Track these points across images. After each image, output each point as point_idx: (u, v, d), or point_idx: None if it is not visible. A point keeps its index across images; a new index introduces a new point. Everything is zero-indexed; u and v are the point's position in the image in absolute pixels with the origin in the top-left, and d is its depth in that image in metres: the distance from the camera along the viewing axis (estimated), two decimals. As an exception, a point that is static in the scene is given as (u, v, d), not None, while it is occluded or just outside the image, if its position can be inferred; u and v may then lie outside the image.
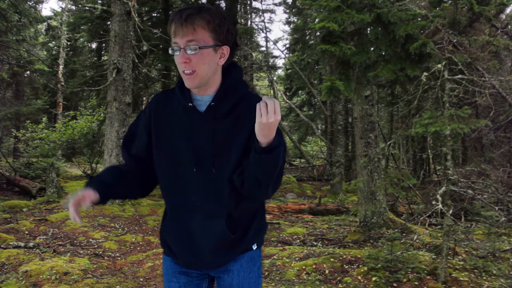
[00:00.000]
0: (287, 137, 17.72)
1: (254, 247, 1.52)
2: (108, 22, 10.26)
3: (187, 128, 1.40)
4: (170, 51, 1.35)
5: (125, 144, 1.53)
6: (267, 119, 1.20)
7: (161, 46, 11.34)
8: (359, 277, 3.72)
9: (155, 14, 12.85)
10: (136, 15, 8.14)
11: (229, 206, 1.41)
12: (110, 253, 4.87)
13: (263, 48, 19.42)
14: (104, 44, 13.92)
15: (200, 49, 1.32)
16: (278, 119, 1.21)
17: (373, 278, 3.63)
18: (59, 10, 19.95)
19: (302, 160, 17.23)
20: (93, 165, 12.85)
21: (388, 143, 4.63)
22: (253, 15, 19.38)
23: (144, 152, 1.48)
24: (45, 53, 19.14)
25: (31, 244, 4.86)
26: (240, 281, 1.49)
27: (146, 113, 1.49)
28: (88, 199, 1.33)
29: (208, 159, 1.38)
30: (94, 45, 15.61)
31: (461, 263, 3.90)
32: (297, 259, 4.30)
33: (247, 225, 1.47)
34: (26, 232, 5.57)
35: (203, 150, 1.38)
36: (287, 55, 18.35)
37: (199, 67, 1.33)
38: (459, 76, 3.58)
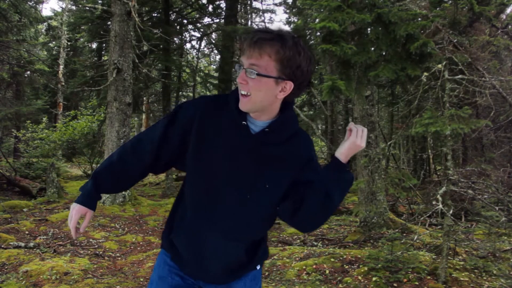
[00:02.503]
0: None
1: (258, 267, 1.53)
2: (109, 22, 10.25)
3: (234, 144, 1.35)
4: (235, 67, 1.32)
5: (155, 142, 1.44)
6: (361, 142, 1.34)
7: (161, 46, 11.34)
8: (360, 277, 3.71)
9: (156, 14, 12.86)
10: (137, 15, 8.14)
11: (254, 233, 1.44)
12: (111, 253, 4.87)
13: (264, 48, 19.40)
14: (104, 44, 13.93)
15: (258, 76, 1.27)
16: (363, 146, 1.36)
17: (374, 278, 3.63)
18: (60, 10, 19.99)
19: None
20: (93, 165, 12.85)
21: (389, 143, 4.64)
22: (254, 15, 19.40)
23: (168, 155, 1.43)
24: (45, 53, 19.16)
25: (31, 244, 4.86)
26: None
27: (187, 116, 1.40)
28: (85, 224, 1.49)
29: (247, 182, 1.35)
30: (94, 45, 15.63)
31: (462, 263, 3.90)
32: (297, 259, 4.30)
33: (257, 249, 1.49)
34: (27, 232, 5.57)
35: (245, 172, 1.35)
36: (287, 55, 18.31)
37: (254, 92, 1.29)
38: (460, 76, 3.58)
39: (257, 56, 1.27)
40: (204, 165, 1.37)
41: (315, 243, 5.33)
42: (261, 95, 1.29)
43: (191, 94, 15.53)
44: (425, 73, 3.63)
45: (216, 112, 1.39)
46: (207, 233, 1.40)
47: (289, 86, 1.30)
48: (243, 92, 1.31)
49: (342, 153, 1.33)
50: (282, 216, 1.41)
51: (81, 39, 16.55)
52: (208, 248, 1.41)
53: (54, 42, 19.17)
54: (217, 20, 14.13)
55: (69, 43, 18.14)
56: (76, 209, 1.44)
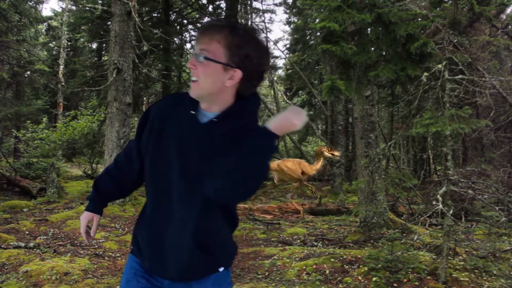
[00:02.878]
0: (288, 137, 17.70)
1: (221, 269, 1.46)
2: (109, 22, 10.26)
3: (184, 136, 1.38)
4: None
5: (135, 148, 1.53)
6: (296, 120, 1.30)
7: (161, 46, 11.35)
8: (360, 277, 3.71)
9: (156, 14, 12.87)
10: (137, 15, 8.15)
11: (206, 224, 1.39)
12: (111, 253, 4.87)
13: (264, 48, 19.40)
14: (104, 44, 13.94)
15: (206, 60, 1.30)
16: (298, 126, 1.31)
17: (374, 278, 3.63)
18: (60, 10, 19.99)
19: (303, 160, 17.20)
20: (93, 165, 12.85)
21: (389, 143, 4.64)
22: (254, 15, 19.41)
23: (140, 153, 1.50)
24: (45, 53, 19.17)
25: (31, 244, 4.86)
26: None
27: (151, 117, 1.47)
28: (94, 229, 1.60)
29: (194, 171, 1.36)
30: (94, 45, 15.65)
31: (462, 263, 3.90)
32: (297, 259, 4.30)
33: (213, 245, 1.43)
34: (27, 232, 5.57)
35: (192, 161, 1.36)
36: (287, 55, 18.36)
37: (202, 77, 1.32)
38: (460, 76, 3.58)
39: (207, 41, 1.30)
40: (158, 159, 1.42)
41: (315, 243, 5.33)
42: (209, 81, 1.32)
43: (191, 94, 15.49)
44: (425, 73, 3.63)
45: (175, 107, 1.44)
46: (163, 226, 1.41)
47: (238, 74, 1.32)
48: (193, 78, 1.34)
49: (273, 122, 1.29)
50: (210, 192, 1.36)
51: (81, 39, 16.57)
52: (165, 241, 1.41)
53: (54, 42, 19.18)
54: (217, 20, 14.12)
55: (69, 43, 18.14)
56: (83, 215, 1.57)
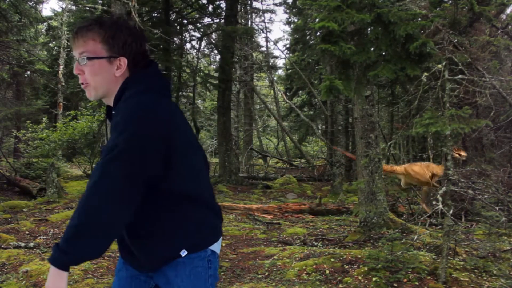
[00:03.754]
0: (288, 137, 17.71)
1: (183, 253, 1.38)
2: (109, 22, 10.24)
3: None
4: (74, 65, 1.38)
5: None
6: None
7: (161, 46, 11.35)
8: (360, 277, 3.71)
9: (156, 14, 12.86)
10: (137, 15, 8.14)
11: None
12: (111, 253, 4.87)
13: (264, 48, 19.46)
14: (104, 44, 13.91)
15: (89, 60, 1.33)
16: None
17: (374, 278, 3.63)
18: (60, 10, 19.98)
19: (303, 160, 17.23)
20: (93, 165, 12.85)
21: (389, 143, 4.65)
22: (254, 15, 19.40)
23: None
24: (45, 53, 19.16)
25: (31, 244, 4.86)
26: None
27: None
28: None
29: None
30: (94, 45, 15.61)
31: (462, 263, 3.90)
32: (297, 259, 4.29)
33: (151, 233, 1.38)
34: (27, 232, 5.57)
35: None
36: (287, 55, 18.35)
37: (92, 78, 1.36)
38: (460, 76, 3.58)
39: (82, 43, 1.34)
40: None
41: (315, 243, 5.33)
42: (99, 79, 1.35)
43: (191, 94, 15.52)
44: (425, 73, 3.63)
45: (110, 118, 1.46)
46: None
47: (123, 61, 1.36)
48: (83, 83, 1.37)
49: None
50: None
51: (81, 39, 16.52)
52: (122, 233, 1.43)
53: (54, 42, 19.17)
54: (217, 20, 14.12)
55: (69, 43, 18.13)
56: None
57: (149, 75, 1.40)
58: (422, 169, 6.29)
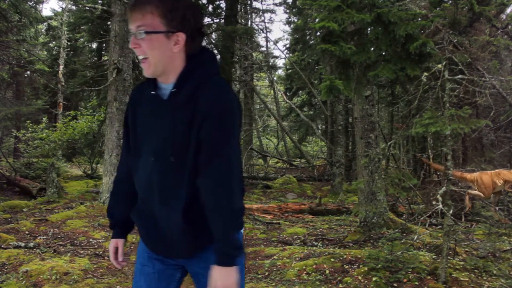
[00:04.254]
0: (288, 137, 17.71)
1: None
2: (109, 22, 10.25)
3: (150, 116, 1.39)
4: (129, 38, 1.35)
5: (125, 149, 1.56)
6: None
7: (161, 46, 11.33)
8: (360, 277, 3.71)
9: (156, 14, 12.84)
10: (137, 15, 8.14)
11: (186, 197, 1.35)
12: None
13: (264, 48, 19.43)
14: (104, 44, 13.91)
15: (147, 34, 1.30)
16: None
17: (374, 278, 3.63)
18: (60, 10, 19.97)
19: (303, 160, 17.23)
20: (93, 165, 12.85)
21: (389, 143, 4.65)
22: (254, 15, 19.38)
23: None
24: (45, 53, 19.15)
25: (31, 244, 4.86)
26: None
27: (128, 112, 1.50)
28: (121, 252, 1.58)
29: (167, 148, 1.34)
30: (94, 45, 15.61)
31: (462, 263, 3.90)
32: (297, 259, 4.29)
33: (197, 216, 1.38)
34: (27, 232, 5.57)
35: (163, 139, 1.36)
36: (287, 55, 18.35)
37: (150, 52, 1.32)
38: (460, 76, 3.58)
39: (140, 17, 1.30)
40: (134, 142, 1.45)
41: (315, 243, 5.33)
42: (157, 54, 1.32)
43: (191, 94, 15.49)
44: (425, 73, 3.63)
45: (141, 94, 1.46)
46: (150, 203, 1.42)
47: (182, 37, 1.32)
48: (141, 57, 1.34)
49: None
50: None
51: (81, 39, 16.55)
52: (155, 217, 1.41)
53: (54, 42, 19.15)
54: (217, 20, 14.11)
55: (69, 43, 18.13)
56: (110, 244, 1.60)
57: (215, 56, 1.43)
58: (489, 179, 6.16)
